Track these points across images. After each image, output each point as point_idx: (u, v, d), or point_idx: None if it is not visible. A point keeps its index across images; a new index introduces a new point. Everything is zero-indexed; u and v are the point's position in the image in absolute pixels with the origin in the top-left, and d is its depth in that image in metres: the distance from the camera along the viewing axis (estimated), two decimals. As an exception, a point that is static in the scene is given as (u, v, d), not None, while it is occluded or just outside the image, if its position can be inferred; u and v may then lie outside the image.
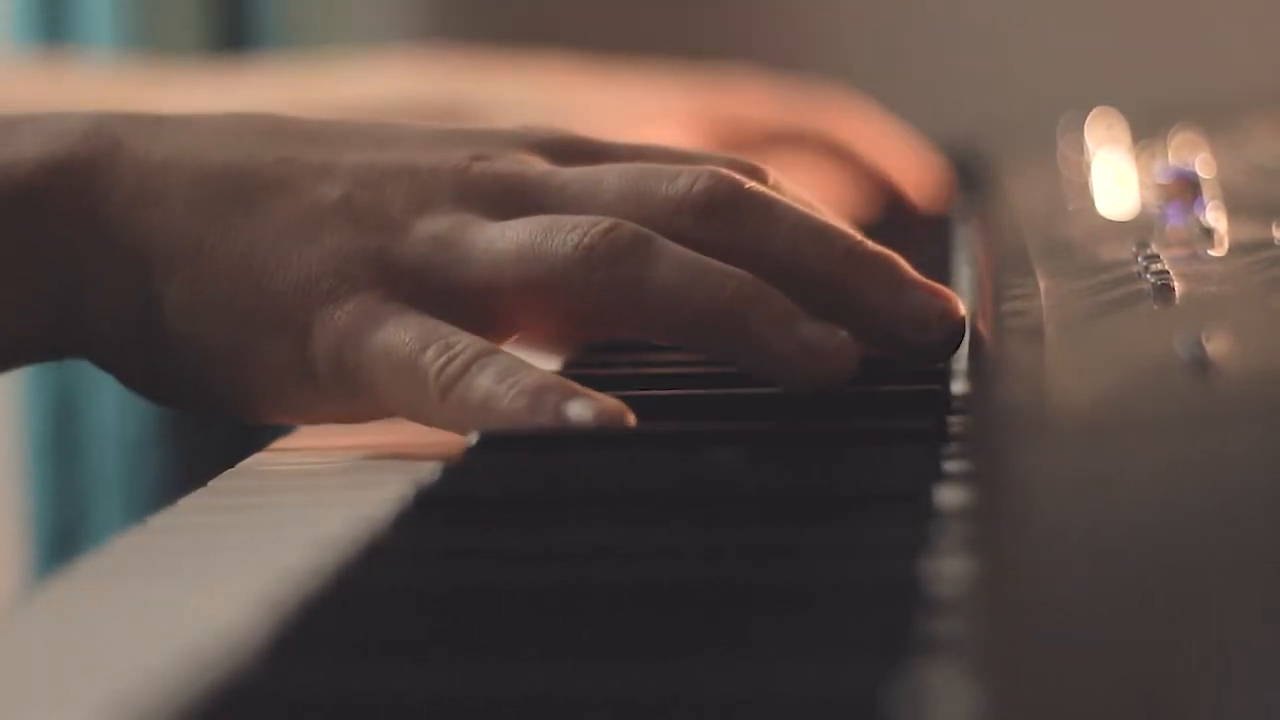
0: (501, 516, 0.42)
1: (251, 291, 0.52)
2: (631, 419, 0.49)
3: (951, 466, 0.45)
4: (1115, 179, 0.76)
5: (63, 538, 1.33)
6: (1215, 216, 0.61)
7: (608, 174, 0.54)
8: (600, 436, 0.49)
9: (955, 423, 0.49)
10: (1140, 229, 0.62)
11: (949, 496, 0.41)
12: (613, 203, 0.53)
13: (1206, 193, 0.64)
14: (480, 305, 0.52)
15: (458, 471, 0.45)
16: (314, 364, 0.52)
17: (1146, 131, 0.85)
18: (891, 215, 0.91)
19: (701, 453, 0.47)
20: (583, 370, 0.58)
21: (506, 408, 0.49)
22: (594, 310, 0.52)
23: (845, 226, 0.54)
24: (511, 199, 0.53)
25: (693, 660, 0.32)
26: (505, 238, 0.52)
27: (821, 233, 0.53)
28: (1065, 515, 0.34)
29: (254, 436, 0.58)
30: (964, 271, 0.75)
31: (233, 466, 0.50)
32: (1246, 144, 0.86)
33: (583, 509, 0.42)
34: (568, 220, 0.52)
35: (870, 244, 0.53)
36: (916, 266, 0.53)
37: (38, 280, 0.53)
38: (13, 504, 1.33)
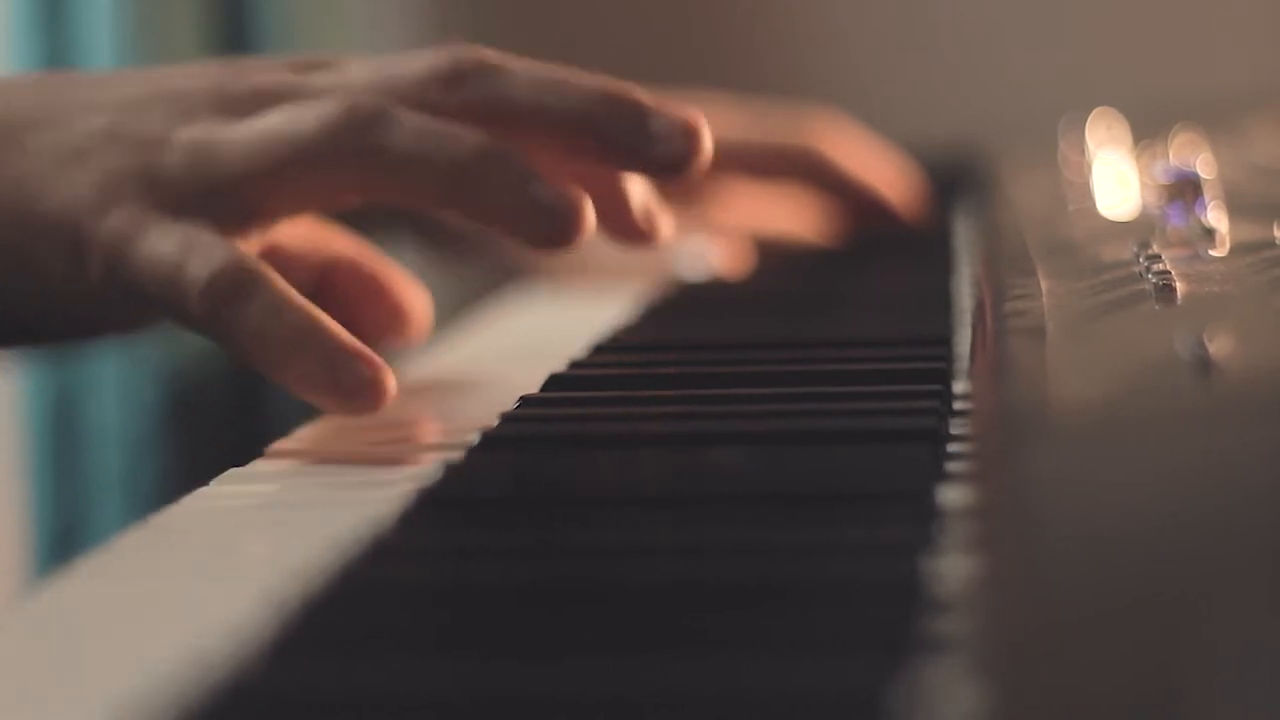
0: (503, 516, 0.42)
1: (26, 213, 0.55)
2: (389, 389, 0.51)
3: (953, 466, 0.45)
4: (1116, 179, 0.76)
5: (63, 537, 1.33)
6: (1216, 217, 0.61)
7: (356, 67, 0.56)
8: (600, 437, 0.49)
9: (957, 422, 0.49)
10: (1141, 229, 0.62)
11: (950, 496, 0.41)
12: (362, 89, 0.55)
13: (1207, 193, 0.64)
14: (239, 197, 0.54)
15: (460, 471, 0.45)
16: (88, 276, 0.54)
17: (1147, 132, 0.85)
18: (879, 226, 0.90)
19: (702, 453, 0.47)
20: (584, 370, 0.58)
21: (275, 355, 0.51)
22: (344, 180, 0.53)
23: (584, 75, 0.55)
24: (267, 102, 0.55)
25: (694, 659, 0.32)
26: (254, 128, 0.54)
27: (562, 80, 0.55)
28: (1066, 515, 0.34)
29: (256, 437, 0.58)
30: (965, 272, 0.75)
31: (234, 466, 0.50)
32: (1247, 144, 0.86)
33: (584, 509, 0.42)
34: (311, 102, 0.54)
35: (608, 80, 0.55)
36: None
37: None
38: (13, 503, 1.33)
